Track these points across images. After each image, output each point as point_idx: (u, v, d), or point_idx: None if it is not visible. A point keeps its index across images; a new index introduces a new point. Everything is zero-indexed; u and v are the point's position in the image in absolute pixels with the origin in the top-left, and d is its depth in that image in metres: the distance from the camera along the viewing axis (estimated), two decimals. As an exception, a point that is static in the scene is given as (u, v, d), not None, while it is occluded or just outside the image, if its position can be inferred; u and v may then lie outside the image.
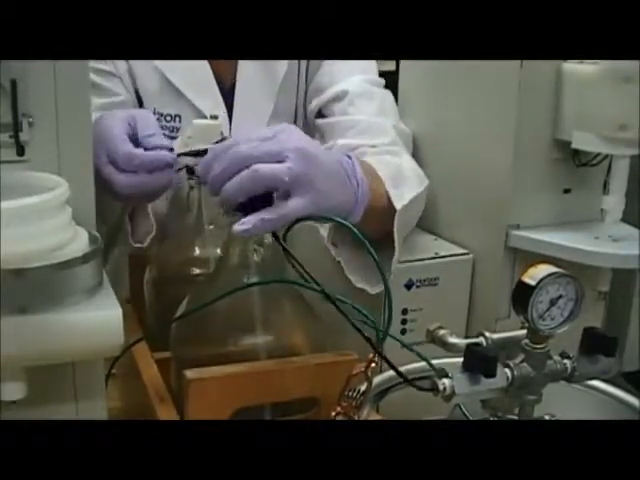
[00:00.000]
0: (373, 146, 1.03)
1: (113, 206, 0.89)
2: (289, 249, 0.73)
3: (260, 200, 0.73)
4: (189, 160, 0.84)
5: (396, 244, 0.89)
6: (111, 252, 0.93)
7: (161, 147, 0.83)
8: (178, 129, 1.14)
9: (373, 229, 0.79)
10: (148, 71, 1.14)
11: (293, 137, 0.78)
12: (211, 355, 0.77)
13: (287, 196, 0.75)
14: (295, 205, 0.75)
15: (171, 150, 0.83)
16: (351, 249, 0.91)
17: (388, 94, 1.15)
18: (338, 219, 0.73)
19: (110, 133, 0.82)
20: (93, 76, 1.07)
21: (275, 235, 0.75)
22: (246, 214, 0.73)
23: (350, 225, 0.71)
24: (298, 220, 0.74)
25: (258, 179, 0.73)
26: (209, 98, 1.14)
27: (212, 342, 0.79)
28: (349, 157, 0.86)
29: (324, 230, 0.93)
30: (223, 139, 0.80)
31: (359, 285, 0.92)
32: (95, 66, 1.09)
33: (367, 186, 0.85)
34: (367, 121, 1.08)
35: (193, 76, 1.14)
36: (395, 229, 0.89)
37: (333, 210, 0.78)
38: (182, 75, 1.14)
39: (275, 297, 0.80)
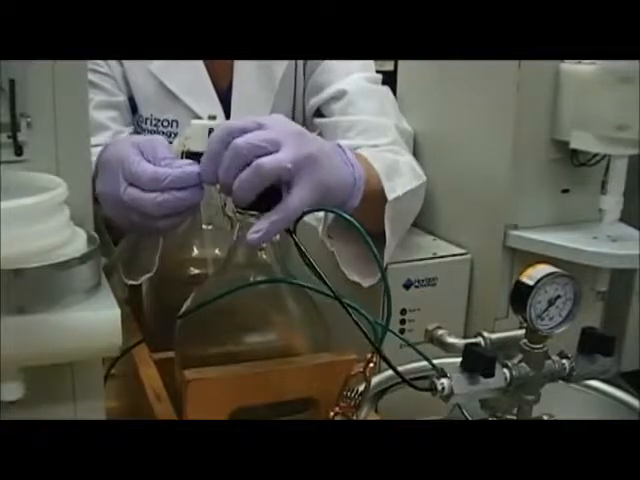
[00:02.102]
0: (374, 146, 1.03)
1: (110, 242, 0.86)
2: (301, 244, 0.73)
3: (270, 196, 0.73)
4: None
5: (387, 234, 0.89)
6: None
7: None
8: (175, 134, 1.14)
9: (370, 219, 0.78)
10: (143, 76, 1.13)
11: (284, 124, 0.78)
12: (216, 354, 0.77)
13: (291, 186, 0.74)
14: (300, 197, 0.73)
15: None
16: (345, 241, 0.90)
17: (387, 91, 1.15)
18: (341, 212, 0.72)
19: (125, 157, 0.78)
20: (91, 75, 1.07)
21: (289, 231, 0.74)
22: (260, 210, 0.73)
23: (349, 217, 0.70)
24: (305, 212, 0.73)
25: (263, 174, 0.71)
26: (206, 102, 1.14)
27: (217, 341, 0.79)
28: (338, 145, 0.86)
29: (317, 223, 0.92)
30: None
31: (352, 278, 0.92)
32: (92, 67, 1.09)
33: (362, 170, 0.84)
34: (367, 121, 1.08)
35: (189, 80, 1.14)
36: (386, 219, 0.89)
37: (334, 191, 0.78)
38: (178, 79, 1.13)
39: (283, 296, 0.80)
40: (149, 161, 0.78)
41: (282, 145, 0.73)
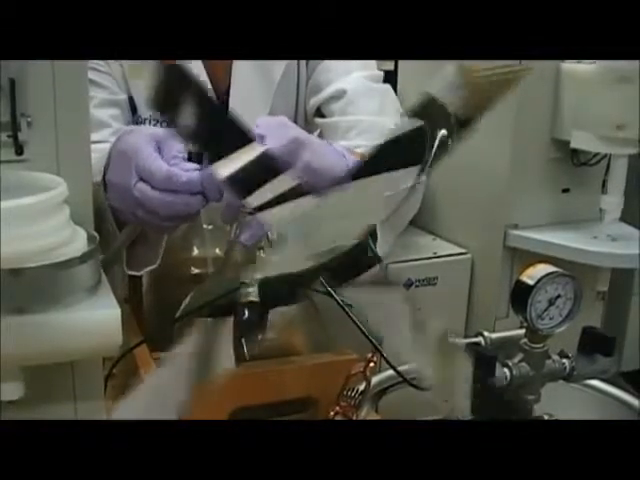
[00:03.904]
0: None
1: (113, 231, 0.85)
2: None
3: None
4: None
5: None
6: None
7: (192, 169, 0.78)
8: None
9: None
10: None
11: (266, 119, 0.80)
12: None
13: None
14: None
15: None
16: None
17: (388, 90, 1.15)
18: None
19: (140, 150, 0.77)
20: (92, 74, 1.07)
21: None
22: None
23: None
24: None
25: None
26: None
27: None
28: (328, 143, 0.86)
29: None
30: None
31: None
32: (93, 65, 1.08)
33: (356, 158, 0.84)
34: (367, 121, 1.08)
35: None
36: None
37: (325, 174, 0.77)
38: None
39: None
40: (162, 158, 0.78)
41: (265, 138, 0.74)
